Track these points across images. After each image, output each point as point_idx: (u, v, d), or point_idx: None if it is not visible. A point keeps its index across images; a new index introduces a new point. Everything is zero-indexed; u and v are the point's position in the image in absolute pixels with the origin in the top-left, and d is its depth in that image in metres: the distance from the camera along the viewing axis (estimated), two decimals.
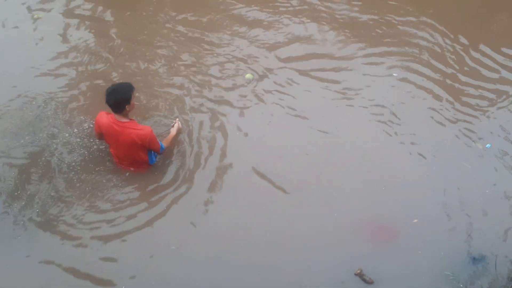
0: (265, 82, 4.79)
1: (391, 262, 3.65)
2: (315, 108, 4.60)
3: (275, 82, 4.81)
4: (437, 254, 3.68)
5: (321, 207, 3.91)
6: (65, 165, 4.01)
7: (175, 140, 4.04)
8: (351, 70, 5.00)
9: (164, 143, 3.87)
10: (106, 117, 3.59)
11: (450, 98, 4.76)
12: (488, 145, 4.26)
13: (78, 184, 3.91)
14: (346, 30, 5.37)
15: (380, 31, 5.41)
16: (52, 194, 3.84)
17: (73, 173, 3.97)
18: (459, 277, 3.59)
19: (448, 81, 4.92)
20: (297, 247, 3.70)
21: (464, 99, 4.78)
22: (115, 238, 3.64)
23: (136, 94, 3.64)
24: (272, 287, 3.50)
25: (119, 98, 3.43)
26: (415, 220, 3.81)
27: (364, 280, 3.53)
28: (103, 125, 3.61)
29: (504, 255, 3.64)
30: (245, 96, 4.64)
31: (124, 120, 3.56)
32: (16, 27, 5.35)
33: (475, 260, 3.62)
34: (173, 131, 3.97)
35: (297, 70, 4.95)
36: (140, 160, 3.81)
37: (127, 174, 3.96)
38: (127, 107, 3.49)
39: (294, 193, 3.97)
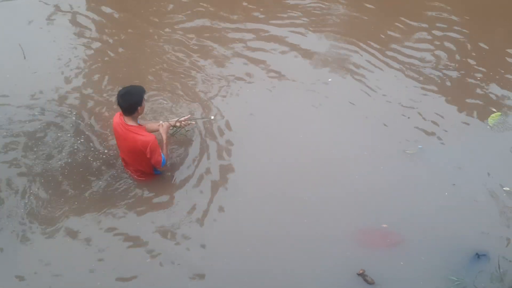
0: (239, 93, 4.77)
1: (392, 265, 3.55)
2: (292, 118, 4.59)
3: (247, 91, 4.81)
4: (440, 258, 3.58)
5: (323, 212, 3.86)
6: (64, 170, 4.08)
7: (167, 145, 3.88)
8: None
9: (165, 155, 3.75)
10: (118, 117, 3.60)
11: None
12: (420, 146, 4.23)
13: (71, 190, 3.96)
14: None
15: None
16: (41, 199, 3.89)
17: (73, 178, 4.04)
18: (465, 281, 3.43)
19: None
20: (298, 248, 3.64)
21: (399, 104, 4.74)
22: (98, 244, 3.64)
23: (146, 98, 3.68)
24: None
25: (132, 100, 3.43)
26: (385, 225, 3.74)
27: (366, 281, 3.44)
28: (114, 125, 3.63)
29: (504, 256, 3.57)
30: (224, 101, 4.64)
31: (132, 123, 3.55)
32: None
33: (478, 256, 3.54)
34: (164, 137, 3.77)
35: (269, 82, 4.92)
36: (144, 169, 3.81)
37: (129, 181, 4.00)
38: (139, 109, 3.50)
39: (292, 199, 3.94)
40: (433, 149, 4.26)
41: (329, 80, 4.89)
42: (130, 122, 3.54)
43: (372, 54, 5.16)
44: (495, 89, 4.83)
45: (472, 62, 5.11)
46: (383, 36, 5.37)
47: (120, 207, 3.83)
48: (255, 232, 3.72)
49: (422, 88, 4.83)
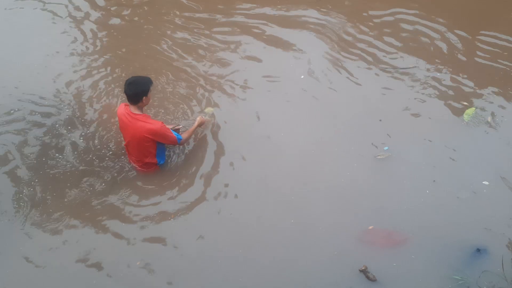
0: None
1: (395, 263, 3.49)
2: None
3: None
4: (443, 257, 3.52)
5: (314, 210, 3.81)
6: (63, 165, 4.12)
7: (195, 132, 4.12)
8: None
9: (185, 135, 3.94)
10: (123, 107, 3.70)
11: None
12: (386, 148, 4.17)
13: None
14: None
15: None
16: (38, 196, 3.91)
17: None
18: (469, 281, 3.36)
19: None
20: (299, 246, 3.60)
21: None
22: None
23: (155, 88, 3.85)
24: (274, 283, 3.40)
25: (138, 90, 3.53)
26: (370, 227, 3.67)
27: (368, 278, 3.40)
28: (119, 115, 3.73)
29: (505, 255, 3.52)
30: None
31: (138, 112, 3.63)
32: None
33: (479, 251, 3.50)
34: (195, 124, 4.06)
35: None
36: (148, 159, 3.86)
37: (132, 174, 4.04)
38: (144, 99, 3.59)
39: (284, 198, 3.91)
40: (409, 149, 4.19)
41: (302, 77, 4.88)
42: (136, 111, 3.62)
43: (341, 50, 5.15)
44: (465, 84, 4.79)
45: (439, 57, 5.07)
46: (352, 33, 5.36)
47: (114, 207, 3.81)
48: (251, 232, 3.67)
49: (392, 86, 4.76)
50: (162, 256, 3.53)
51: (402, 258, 3.47)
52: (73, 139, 4.25)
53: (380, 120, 4.43)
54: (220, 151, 4.19)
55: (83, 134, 4.30)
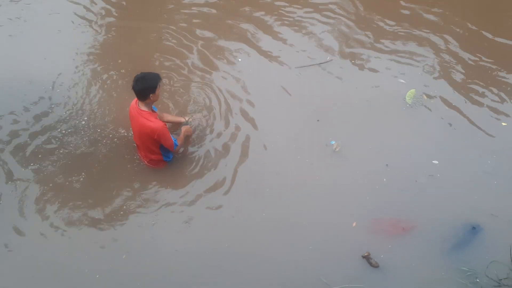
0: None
1: (399, 251, 3.46)
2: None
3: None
4: (440, 242, 3.49)
5: (337, 200, 3.81)
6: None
7: (186, 140, 4.05)
8: None
9: (178, 141, 3.92)
10: (134, 101, 3.69)
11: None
12: (332, 141, 4.10)
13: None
14: None
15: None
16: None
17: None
18: (476, 272, 3.33)
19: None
20: (302, 233, 3.59)
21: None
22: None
23: (163, 85, 3.86)
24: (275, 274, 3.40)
25: (145, 86, 3.48)
26: (354, 224, 3.61)
27: (370, 264, 3.38)
28: (130, 108, 3.72)
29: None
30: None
31: (145, 108, 3.61)
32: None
33: (474, 228, 3.48)
34: (181, 135, 4.01)
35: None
36: (154, 156, 3.93)
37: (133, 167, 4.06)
38: (151, 96, 3.53)
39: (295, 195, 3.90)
40: (358, 140, 4.14)
41: (239, 60, 4.84)
42: (143, 107, 3.60)
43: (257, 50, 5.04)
44: (393, 65, 4.80)
45: (360, 44, 5.06)
46: (270, 31, 5.22)
47: (110, 199, 3.80)
48: (256, 219, 3.68)
49: (319, 82, 4.67)
50: (148, 249, 3.49)
51: (401, 245, 3.43)
52: (72, 126, 4.24)
53: (318, 120, 4.31)
54: (208, 150, 4.15)
55: (85, 123, 4.30)
